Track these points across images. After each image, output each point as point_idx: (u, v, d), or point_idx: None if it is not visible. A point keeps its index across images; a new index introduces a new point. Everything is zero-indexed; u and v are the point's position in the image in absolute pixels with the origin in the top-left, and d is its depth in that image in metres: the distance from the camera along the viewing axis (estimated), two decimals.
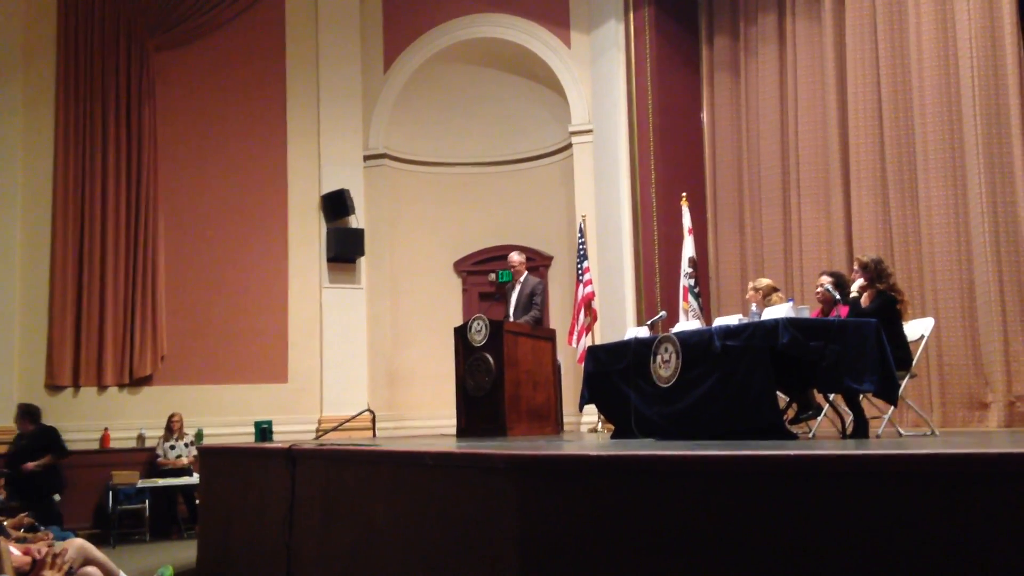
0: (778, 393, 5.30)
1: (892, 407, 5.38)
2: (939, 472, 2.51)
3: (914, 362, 5.77)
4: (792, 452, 2.75)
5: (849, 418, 5.36)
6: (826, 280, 6.00)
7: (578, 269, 9.86)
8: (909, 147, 8.24)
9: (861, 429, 5.17)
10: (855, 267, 5.97)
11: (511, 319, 7.61)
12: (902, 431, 6.05)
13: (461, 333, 7.20)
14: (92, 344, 9.63)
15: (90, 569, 4.68)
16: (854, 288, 5.75)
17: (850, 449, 2.90)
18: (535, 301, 7.74)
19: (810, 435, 5.59)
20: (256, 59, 10.86)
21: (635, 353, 5.81)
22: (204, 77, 10.59)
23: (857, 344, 4.97)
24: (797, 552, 2.60)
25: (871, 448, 2.98)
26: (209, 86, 10.60)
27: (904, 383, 5.52)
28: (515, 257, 8.07)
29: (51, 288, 9.58)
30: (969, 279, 7.69)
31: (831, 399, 5.73)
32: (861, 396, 5.25)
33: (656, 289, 9.79)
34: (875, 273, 5.75)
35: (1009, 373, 7.29)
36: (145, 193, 10.01)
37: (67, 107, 9.84)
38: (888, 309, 5.57)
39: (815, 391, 5.62)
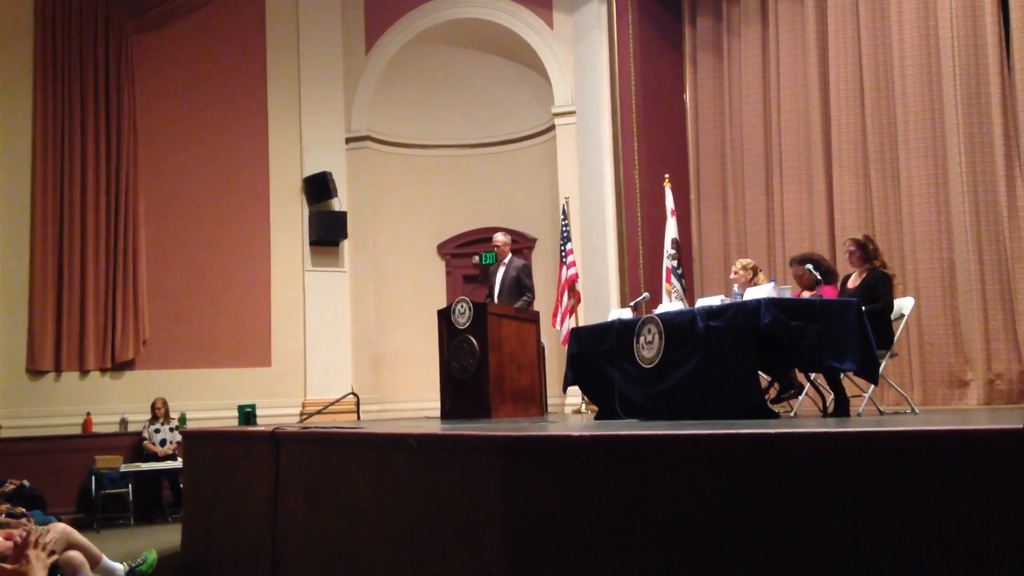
0: (760, 373, 5.33)
1: (873, 386, 5.43)
2: (919, 449, 2.54)
3: (895, 341, 5.82)
4: (773, 430, 2.77)
5: (830, 397, 5.40)
6: (799, 270, 6.07)
7: (561, 251, 9.87)
8: (891, 128, 8.28)
9: (842, 408, 5.23)
10: (850, 247, 6.05)
11: (495, 301, 7.61)
12: (882, 409, 6.11)
13: (445, 316, 7.19)
14: (73, 329, 9.56)
15: (73, 554, 4.68)
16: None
17: (830, 427, 2.92)
18: (526, 284, 7.73)
19: (792, 414, 5.63)
20: (236, 40, 10.75)
21: (618, 334, 5.83)
22: (183, 59, 10.48)
23: (838, 323, 5.01)
24: (779, 528, 2.62)
25: (851, 426, 3.00)
26: (189, 68, 10.49)
27: (884, 362, 5.56)
28: (500, 238, 8.05)
29: (31, 272, 9.49)
30: (949, 259, 7.75)
31: (812, 378, 5.77)
32: (842, 375, 5.30)
33: (639, 270, 9.81)
34: (872, 251, 5.88)
35: (988, 351, 7.36)
36: (125, 176, 9.91)
37: (45, 90, 9.71)
38: (888, 286, 5.69)
39: (797, 370, 5.66)
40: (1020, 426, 2.38)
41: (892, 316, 5.86)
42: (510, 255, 8.00)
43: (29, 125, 9.65)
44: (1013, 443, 2.40)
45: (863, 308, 5.19)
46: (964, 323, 7.57)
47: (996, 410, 6.66)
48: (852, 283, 6.00)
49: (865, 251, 5.91)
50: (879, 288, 5.74)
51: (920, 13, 8.03)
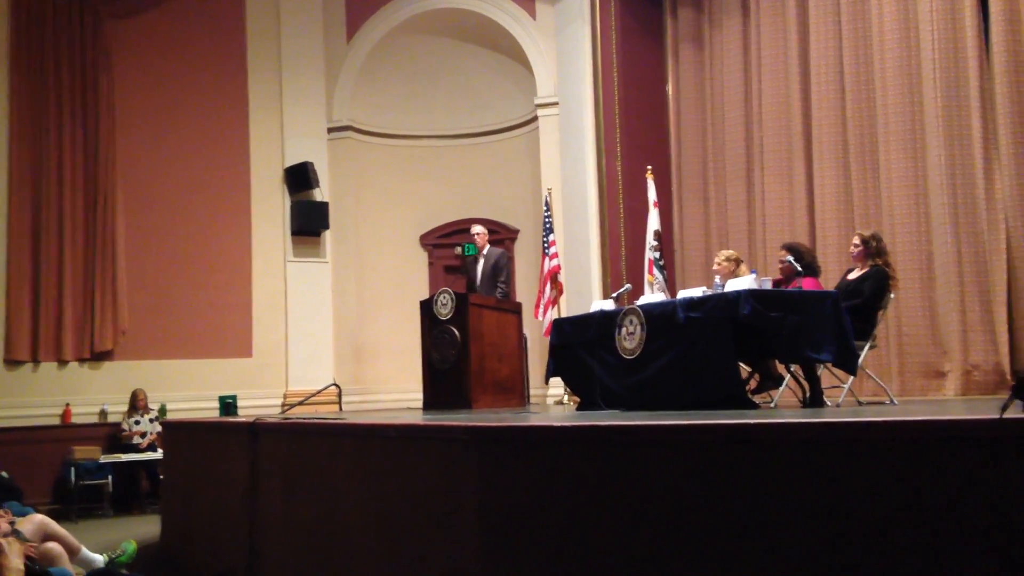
0: (740, 364, 5.35)
1: (852, 377, 5.46)
2: (897, 438, 2.55)
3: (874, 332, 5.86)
4: (751, 420, 2.78)
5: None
6: (786, 254, 6.09)
7: (544, 242, 9.86)
8: (871, 119, 8.32)
9: (816, 398, 5.26)
10: (855, 241, 6.09)
11: (476, 292, 7.60)
12: (861, 400, 6.15)
13: (427, 307, 7.18)
14: (51, 318, 9.46)
15: (51, 545, 4.65)
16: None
17: (809, 417, 2.94)
18: (501, 277, 7.71)
19: (772, 404, 5.66)
20: (215, 27, 10.64)
21: (600, 326, 5.83)
22: (162, 46, 10.36)
23: (816, 315, 5.03)
24: (757, 517, 2.63)
25: (830, 416, 3.02)
26: (167, 55, 10.37)
27: (864, 353, 5.60)
28: (476, 229, 8.03)
29: (7, 261, 9.39)
30: (928, 250, 7.81)
31: (792, 370, 5.80)
32: (821, 367, 5.33)
33: (621, 262, 9.83)
34: (875, 249, 5.92)
35: (966, 343, 7.43)
36: (103, 164, 9.81)
37: (20, 77, 9.57)
38: (883, 283, 5.72)
39: (776, 362, 5.69)
40: (996, 416, 2.39)
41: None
42: (489, 246, 7.98)
43: (4, 111, 9.52)
44: (989, 433, 2.42)
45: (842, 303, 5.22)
46: (942, 314, 7.63)
47: (973, 401, 6.71)
48: (851, 277, 6.05)
49: (867, 247, 5.98)
50: (867, 283, 5.78)
51: (900, 5, 8.06)
